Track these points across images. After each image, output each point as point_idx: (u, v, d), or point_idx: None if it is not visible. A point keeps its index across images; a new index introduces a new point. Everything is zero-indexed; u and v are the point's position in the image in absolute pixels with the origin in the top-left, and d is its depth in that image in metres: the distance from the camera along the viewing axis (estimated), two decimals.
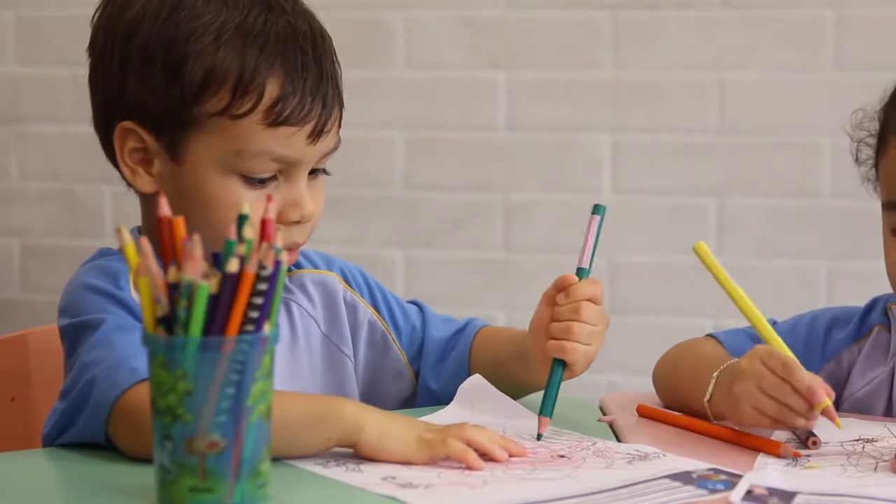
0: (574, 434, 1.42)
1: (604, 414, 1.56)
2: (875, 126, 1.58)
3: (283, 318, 1.54)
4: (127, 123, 1.44)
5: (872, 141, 1.58)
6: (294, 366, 1.55)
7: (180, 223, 1.18)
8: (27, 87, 3.10)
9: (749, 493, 1.21)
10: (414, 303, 1.69)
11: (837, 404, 1.58)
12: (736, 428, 1.42)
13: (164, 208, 1.18)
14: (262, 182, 1.44)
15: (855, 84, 2.78)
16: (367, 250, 2.93)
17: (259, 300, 1.15)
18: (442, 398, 1.57)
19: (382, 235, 2.94)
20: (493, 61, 2.90)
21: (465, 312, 2.92)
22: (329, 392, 1.56)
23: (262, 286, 1.15)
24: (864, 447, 1.39)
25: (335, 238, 2.92)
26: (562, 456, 1.33)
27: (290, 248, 1.47)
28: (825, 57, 2.79)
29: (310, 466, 1.26)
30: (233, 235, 1.14)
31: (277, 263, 1.15)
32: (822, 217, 2.79)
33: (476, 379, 1.53)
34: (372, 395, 1.61)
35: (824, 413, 1.35)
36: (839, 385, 1.60)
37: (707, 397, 1.45)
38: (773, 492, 1.21)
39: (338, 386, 1.58)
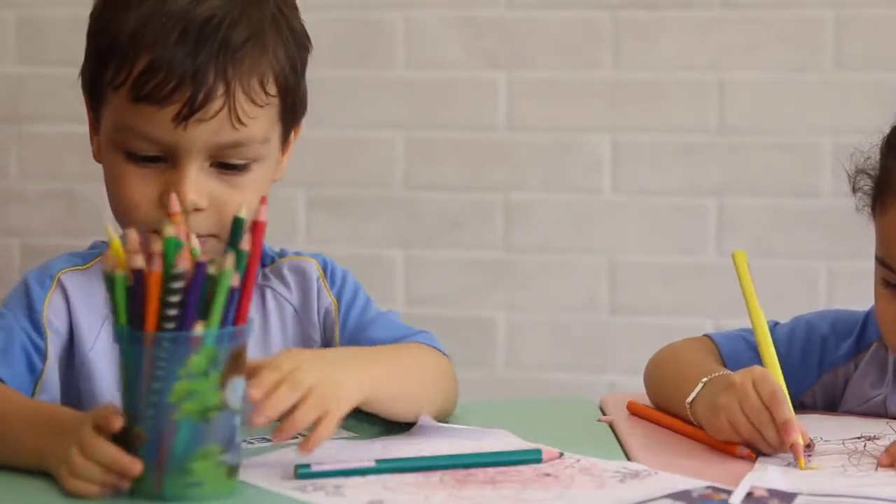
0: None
1: (604, 414, 1.56)
2: (874, 162, 1.56)
3: (254, 303, 1.52)
4: (84, 95, 1.52)
5: (869, 184, 1.57)
6: (265, 343, 1.55)
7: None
8: (27, 87, 3.10)
9: (749, 495, 1.20)
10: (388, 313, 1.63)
11: (830, 409, 1.58)
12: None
13: None
14: (146, 160, 1.43)
15: (855, 84, 2.78)
16: (367, 250, 2.93)
17: (173, 298, 1.16)
18: None
19: (382, 235, 2.94)
20: (493, 61, 2.90)
21: (466, 312, 2.93)
22: None
23: (176, 284, 1.16)
24: (865, 445, 1.39)
25: (335, 238, 2.92)
26: (547, 475, 1.29)
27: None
28: (825, 57, 2.79)
29: (287, 491, 1.23)
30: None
31: (199, 265, 1.16)
32: (822, 217, 2.79)
33: (426, 420, 1.44)
34: None
35: (791, 449, 1.35)
36: (834, 398, 1.59)
37: (689, 399, 1.45)
38: (773, 493, 1.21)
39: None
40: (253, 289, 1.22)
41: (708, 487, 1.24)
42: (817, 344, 1.60)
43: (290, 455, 1.32)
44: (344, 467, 1.28)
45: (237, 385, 1.19)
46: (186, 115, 1.40)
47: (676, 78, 2.83)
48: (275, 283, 1.57)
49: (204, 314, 1.17)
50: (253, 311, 1.52)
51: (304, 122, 1.57)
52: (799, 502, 1.19)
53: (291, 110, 1.51)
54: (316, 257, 1.61)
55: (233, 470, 1.21)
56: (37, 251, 3.07)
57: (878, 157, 1.55)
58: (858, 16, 2.77)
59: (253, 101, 1.43)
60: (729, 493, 1.23)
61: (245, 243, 1.19)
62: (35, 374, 1.44)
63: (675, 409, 1.49)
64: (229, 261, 1.16)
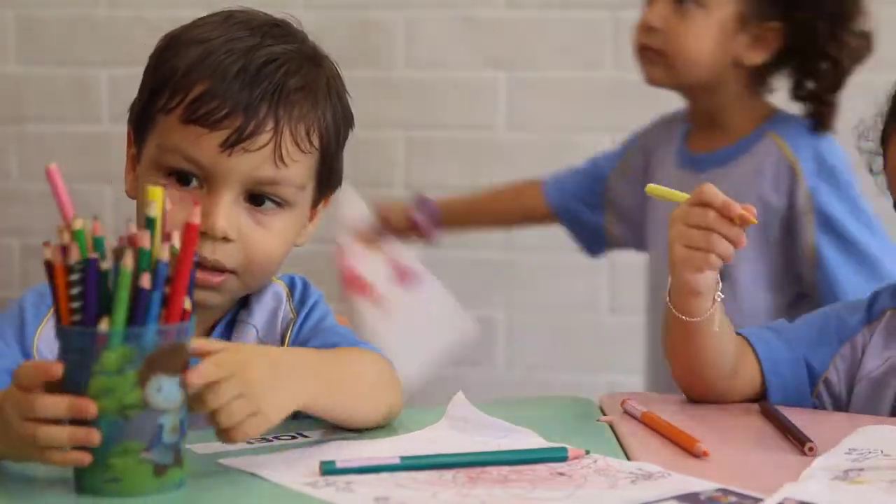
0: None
1: (604, 414, 1.56)
2: (878, 131, 1.59)
3: (222, 329, 1.55)
4: (129, 129, 1.52)
5: (877, 132, 1.60)
6: None
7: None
8: (27, 87, 3.10)
9: None
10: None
11: (852, 386, 1.58)
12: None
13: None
14: (181, 182, 1.45)
15: (855, 84, 2.78)
16: None
17: (74, 290, 1.18)
18: None
19: None
20: (493, 61, 2.90)
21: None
22: None
23: (73, 277, 1.19)
24: None
25: (335, 238, 2.92)
26: (561, 474, 1.28)
27: (203, 265, 1.44)
28: None
29: (297, 486, 1.24)
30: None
31: (91, 261, 1.17)
32: None
33: (460, 399, 1.48)
34: None
35: (742, 223, 1.41)
36: (854, 366, 1.60)
37: (666, 292, 1.49)
38: None
39: None
40: (185, 287, 1.21)
41: (719, 490, 1.22)
42: (833, 319, 1.63)
43: (303, 453, 1.33)
44: (369, 464, 1.29)
45: (164, 384, 1.18)
46: (233, 143, 1.43)
47: None
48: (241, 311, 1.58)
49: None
50: (219, 334, 1.54)
51: None
52: None
53: (328, 174, 1.54)
54: (285, 278, 1.63)
55: (161, 468, 1.20)
56: (37, 251, 3.07)
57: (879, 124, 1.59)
58: None
59: (297, 145, 1.47)
60: (741, 495, 1.19)
61: (144, 240, 1.19)
62: None
63: (682, 347, 1.52)
64: (128, 259, 1.17)
